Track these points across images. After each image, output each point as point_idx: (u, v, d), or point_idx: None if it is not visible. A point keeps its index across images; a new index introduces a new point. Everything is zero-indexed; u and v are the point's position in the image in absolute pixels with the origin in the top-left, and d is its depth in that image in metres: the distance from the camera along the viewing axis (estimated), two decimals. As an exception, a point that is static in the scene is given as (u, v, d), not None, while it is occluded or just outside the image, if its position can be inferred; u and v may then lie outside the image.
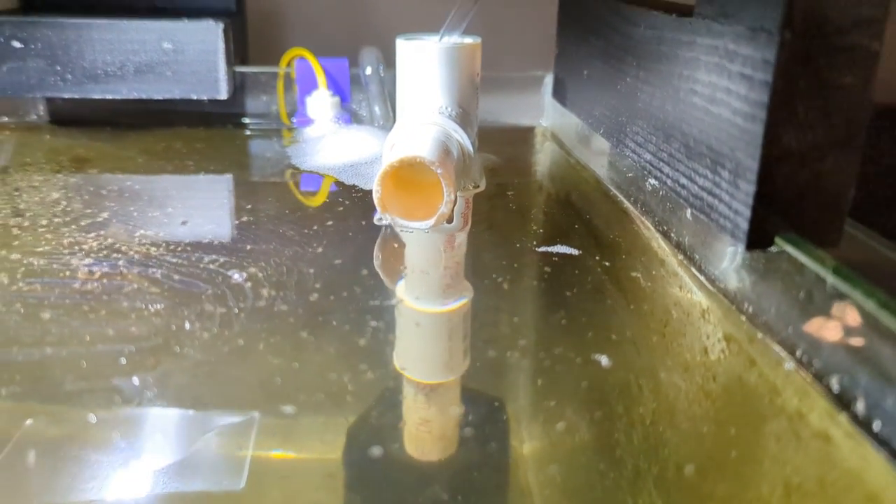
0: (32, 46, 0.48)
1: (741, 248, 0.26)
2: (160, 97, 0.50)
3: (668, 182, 0.32)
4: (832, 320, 0.22)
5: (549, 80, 0.55)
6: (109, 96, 0.49)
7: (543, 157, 0.51)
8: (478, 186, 0.42)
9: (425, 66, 0.41)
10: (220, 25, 0.49)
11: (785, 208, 0.25)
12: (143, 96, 0.50)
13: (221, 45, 0.49)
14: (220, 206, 0.40)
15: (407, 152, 0.35)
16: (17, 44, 0.48)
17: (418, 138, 0.37)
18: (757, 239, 0.25)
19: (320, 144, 0.48)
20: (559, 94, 0.49)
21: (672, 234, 0.34)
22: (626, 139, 0.37)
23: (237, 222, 0.37)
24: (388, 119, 0.51)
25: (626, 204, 0.39)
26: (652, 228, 0.36)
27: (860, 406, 0.21)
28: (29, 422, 0.21)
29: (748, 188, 0.25)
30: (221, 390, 0.23)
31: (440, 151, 0.36)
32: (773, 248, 0.25)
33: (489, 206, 0.40)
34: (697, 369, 0.25)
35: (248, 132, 0.53)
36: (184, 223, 0.35)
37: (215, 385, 0.24)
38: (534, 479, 0.21)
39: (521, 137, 0.54)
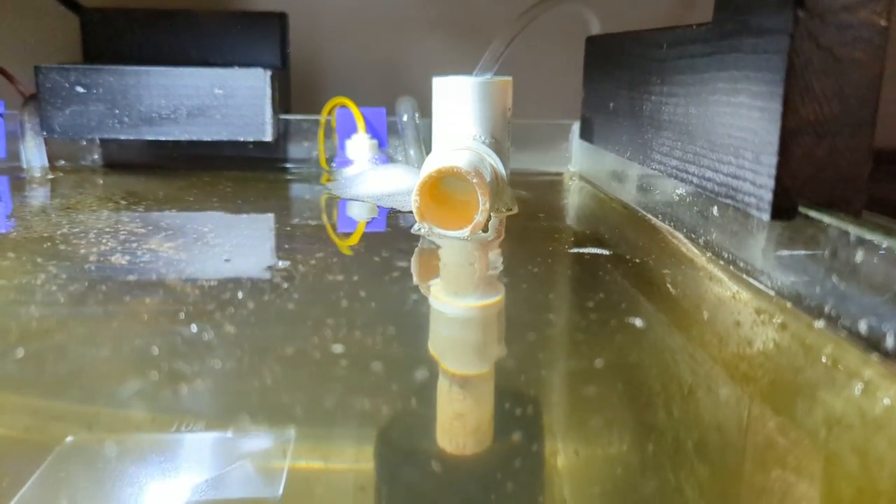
0: (94, 91, 0.52)
1: (766, 225, 0.27)
2: (209, 139, 0.53)
3: (695, 180, 0.33)
4: None
5: (575, 127, 0.57)
6: (163, 138, 0.53)
7: (573, 193, 0.53)
8: (511, 209, 0.44)
9: (460, 100, 0.44)
10: (268, 73, 0.53)
11: (806, 181, 0.27)
12: (194, 138, 0.53)
13: (268, 91, 0.53)
14: (264, 227, 0.42)
15: (444, 164, 0.37)
16: (80, 89, 0.52)
17: (454, 155, 0.39)
18: (781, 209, 0.27)
19: (359, 179, 0.50)
20: (586, 133, 0.52)
21: (700, 239, 0.35)
22: (652, 153, 0.38)
23: (282, 231, 0.39)
24: (423, 162, 0.53)
25: (655, 221, 0.41)
26: (680, 236, 0.37)
27: (889, 340, 0.22)
28: (69, 439, 0.19)
29: (770, 160, 0.27)
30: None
31: (475, 166, 0.38)
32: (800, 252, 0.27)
33: (522, 227, 0.42)
34: (733, 337, 0.26)
35: (289, 176, 0.56)
36: (227, 260, 0.37)
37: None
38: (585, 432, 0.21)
39: (550, 179, 0.56)
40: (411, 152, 0.55)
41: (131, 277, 0.30)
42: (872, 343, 0.23)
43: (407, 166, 0.52)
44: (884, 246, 0.22)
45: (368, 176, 0.50)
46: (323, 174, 0.56)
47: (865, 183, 0.27)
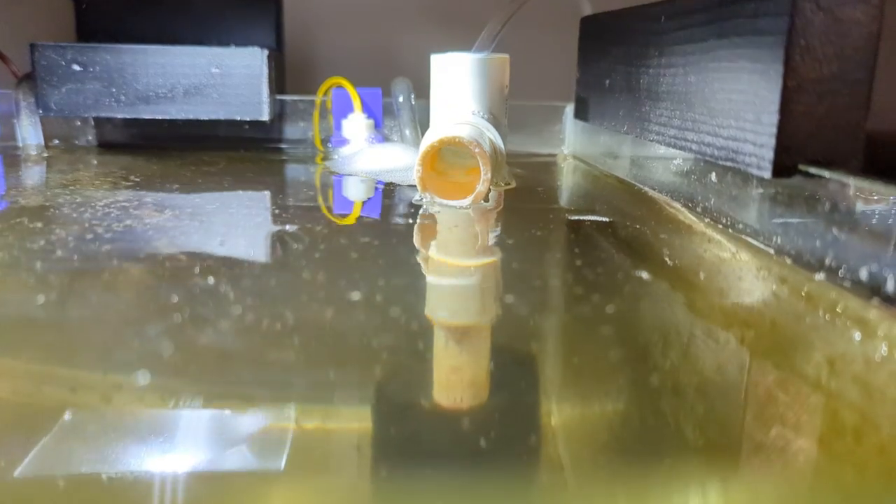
0: (91, 70, 0.52)
1: (766, 185, 0.28)
2: (206, 118, 0.53)
3: (694, 146, 0.34)
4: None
5: (569, 109, 0.58)
6: (159, 116, 0.53)
7: (568, 171, 0.53)
8: (509, 184, 0.45)
9: (458, 76, 0.44)
10: (265, 52, 0.53)
11: (806, 139, 0.27)
12: (191, 117, 0.53)
13: (265, 70, 0.53)
14: (267, 199, 0.42)
15: (446, 134, 0.38)
16: (76, 67, 0.52)
17: (455, 128, 0.40)
18: (782, 167, 0.27)
19: (356, 157, 0.50)
20: (581, 112, 0.53)
21: (698, 207, 0.36)
22: (650, 125, 0.39)
23: (285, 202, 0.39)
24: (418, 142, 0.54)
25: (652, 192, 0.41)
26: (678, 206, 0.38)
27: (890, 283, 0.23)
28: (68, 416, 0.18)
29: (771, 119, 0.27)
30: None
31: (475, 137, 0.39)
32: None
33: (521, 199, 0.42)
34: (734, 291, 0.27)
35: (285, 156, 0.56)
36: (221, 242, 0.38)
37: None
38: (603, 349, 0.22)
39: (545, 161, 0.57)
40: (407, 132, 0.56)
41: (135, 243, 0.30)
42: (874, 289, 0.23)
43: (404, 145, 0.53)
44: (883, 194, 0.23)
45: (366, 154, 0.51)
46: (318, 154, 0.56)
47: (863, 141, 0.27)
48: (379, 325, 0.22)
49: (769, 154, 0.28)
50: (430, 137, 0.39)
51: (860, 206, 0.25)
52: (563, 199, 0.43)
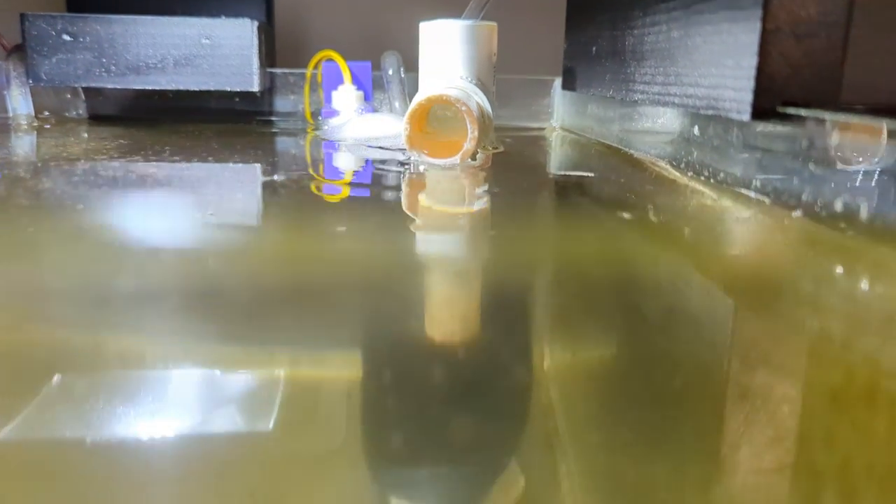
0: (81, 40, 0.52)
1: (745, 130, 0.29)
2: (197, 88, 0.53)
3: (677, 100, 0.34)
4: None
5: (557, 83, 0.58)
6: (150, 87, 0.53)
7: (557, 139, 0.54)
8: (497, 148, 0.45)
9: (447, 42, 0.45)
10: (255, 23, 0.53)
11: (784, 81, 0.28)
12: (181, 87, 0.53)
13: (255, 42, 0.53)
14: (264, 161, 0.43)
15: (434, 93, 0.38)
16: (67, 37, 0.52)
17: (444, 89, 0.40)
18: (761, 109, 0.28)
19: (346, 125, 0.51)
20: (569, 82, 0.53)
21: (682, 163, 0.36)
22: (635, 86, 0.40)
23: (280, 161, 0.40)
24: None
25: (638, 155, 0.42)
26: (663, 164, 0.38)
27: (863, 211, 0.23)
28: (57, 378, 0.16)
29: (751, 62, 0.28)
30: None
31: (463, 97, 0.39)
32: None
33: (509, 160, 0.43)
34: (717, 229, 0.27)
35: (275, 129, 0.57)
36: (211, 220, 0.38)
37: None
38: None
39: (533, 131, 0.58)
40: (396, 104, 0.56)
41: (128, 190, 0.31)
42: (849, 219, 0.24)
43: (393, 115, 0.53)
44: (857, 125, 0.24)
45: (356, 122, 0.51)
46: (309, 126, 0.57)
47: (841, 82, 0.28)
48: (374, 254, 0.23)
49: (748, 97, 0.28)
50: (419, 97, 0.39)
51: (841, 167, 0.25)
52: (551, 160, 0.44)
